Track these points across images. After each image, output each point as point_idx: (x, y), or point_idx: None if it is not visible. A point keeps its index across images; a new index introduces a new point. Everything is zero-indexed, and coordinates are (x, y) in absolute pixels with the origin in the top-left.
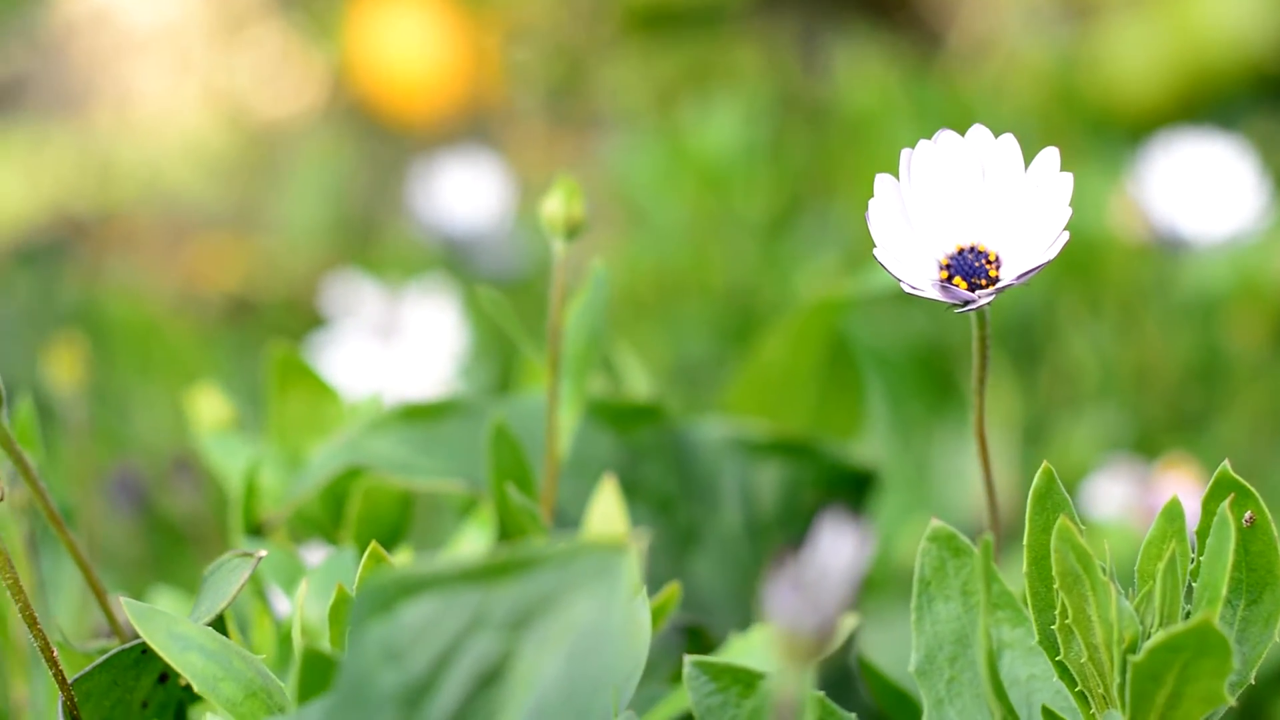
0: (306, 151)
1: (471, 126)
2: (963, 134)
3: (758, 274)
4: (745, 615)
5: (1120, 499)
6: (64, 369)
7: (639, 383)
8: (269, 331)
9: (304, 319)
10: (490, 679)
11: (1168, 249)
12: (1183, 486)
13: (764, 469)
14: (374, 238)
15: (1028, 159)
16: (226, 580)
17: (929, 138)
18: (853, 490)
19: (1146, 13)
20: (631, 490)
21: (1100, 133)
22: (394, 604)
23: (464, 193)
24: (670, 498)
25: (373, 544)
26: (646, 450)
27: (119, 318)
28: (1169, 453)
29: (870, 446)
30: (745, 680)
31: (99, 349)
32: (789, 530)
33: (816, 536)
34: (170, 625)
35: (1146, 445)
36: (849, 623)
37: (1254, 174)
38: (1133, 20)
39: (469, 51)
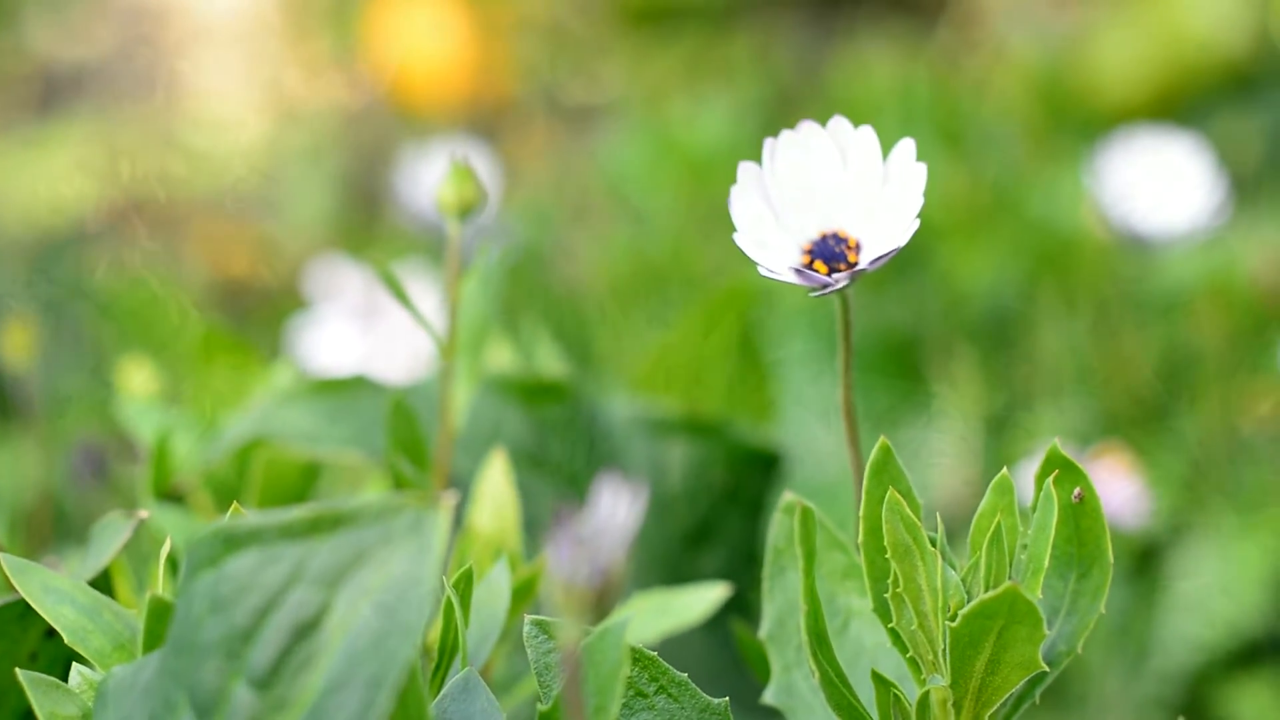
0: (315, 141)
1: (476, 119)
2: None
3: (741, 266)
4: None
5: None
6: (16, 347)
7: (550, 361)
8: (266, 315)
9: (301, 303)
10: (307, 629)
11: (1126, 244)
12: (1112, 474)
13: (672, 447)
14: (377, 226)
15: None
16: (110, 539)
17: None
18: (760, 470)
19: (1129, 13)
20: (539, 465)
21: (1083, 130)
22: (220, 558)
23: None
24: (577, 473)
25: (234, 504)
26: (555, 426)
27: (124, 302)
28: (1104, 442)
29: (780, 430)
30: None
31: (106, 332)
32: (696, 507)
33: (595, 495)
34: (45, 579)
35: (1112, 437)
36: (719, 591)
37: (1209, 171)
38: (1116, 20)
39: (476, 46)
